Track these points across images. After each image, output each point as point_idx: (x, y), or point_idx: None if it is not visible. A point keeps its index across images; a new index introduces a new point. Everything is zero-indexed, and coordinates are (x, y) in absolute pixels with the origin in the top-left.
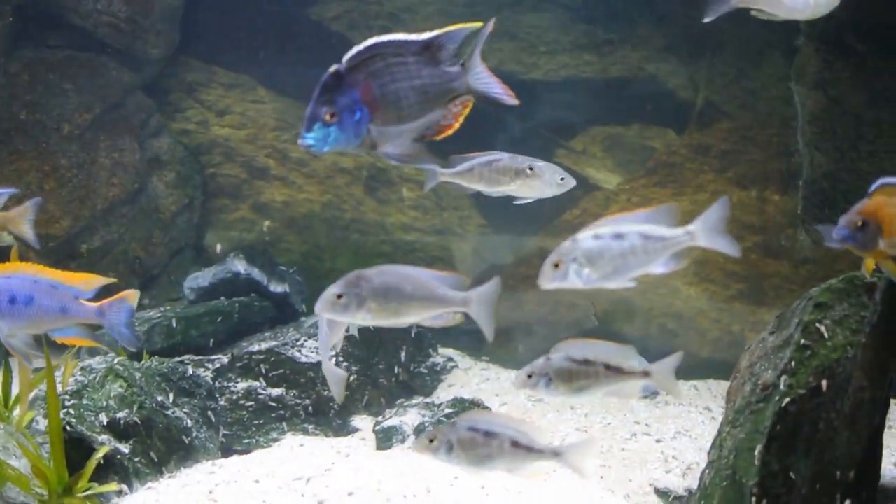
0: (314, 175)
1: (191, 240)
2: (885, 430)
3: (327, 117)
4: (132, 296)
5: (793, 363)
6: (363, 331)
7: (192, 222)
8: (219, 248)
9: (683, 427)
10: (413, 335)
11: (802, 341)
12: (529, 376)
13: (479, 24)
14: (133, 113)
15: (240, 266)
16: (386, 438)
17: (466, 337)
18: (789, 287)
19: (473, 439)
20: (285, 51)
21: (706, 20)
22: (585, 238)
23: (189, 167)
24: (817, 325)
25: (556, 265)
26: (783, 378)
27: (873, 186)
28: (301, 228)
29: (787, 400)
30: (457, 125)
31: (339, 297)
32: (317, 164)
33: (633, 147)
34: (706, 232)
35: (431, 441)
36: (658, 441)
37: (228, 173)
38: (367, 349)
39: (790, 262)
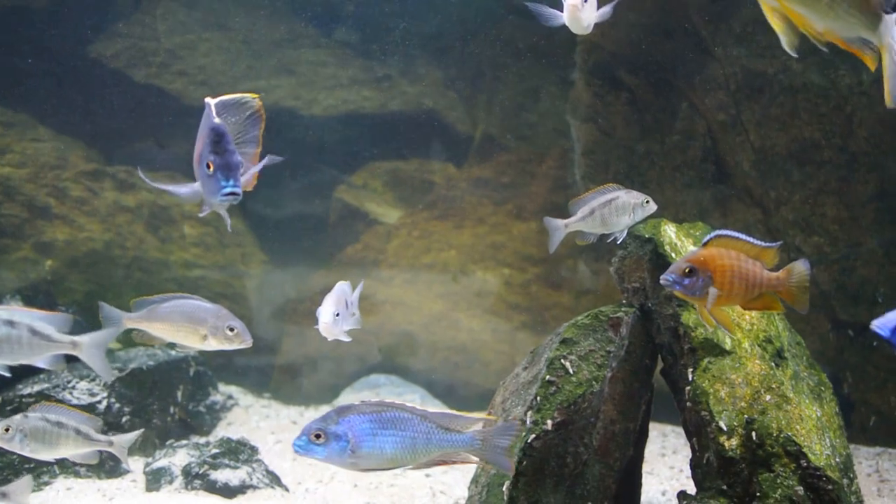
0: (96, 214)
1: None
2: (659, 458)
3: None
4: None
5: (538, 399)
6: (137, 370)
7: None
8: None
9: None
10: (192, 374)
11: (548, 377)
12: (6, 430)
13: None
14: None
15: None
16: (155, 480)
17: (250, 374)
18: (571, 317)
19: (43, 427)
20: (64, 88)
21: None
22: None
23: None
24: (562, 360)
25: None
26: (529, 414)
27: (708, 237)
28: (84, 267)
29: (533, 436)
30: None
31: None
32: (98, 203)
33: (412, 181)
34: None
35: (6, 430)
36: (427, 476)
37: (9, 213)
38: (139, 389)
39: (571, 292)
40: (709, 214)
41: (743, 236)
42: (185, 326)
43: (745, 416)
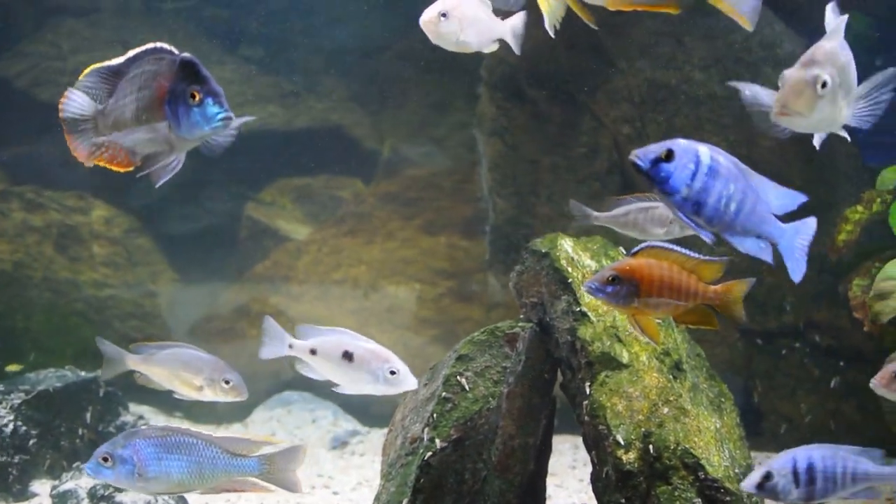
0: (3, 234)
1: None
2: (569, 470)
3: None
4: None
5: (434, 416)
6: (44, 392)
7: None
8: None
9: (365, 478)
10: (102, 394)
11: (444, 394)
12: None
13: None
14: None
15: None
16: (61, 503)
17: (163, 393)
18: None
19: None
20: None
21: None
22: None
23: None
24: (458, 377)
25: None
26: (426, 431)
27: (637, 248)
28: None
29: (429, 454)
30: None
31: None
32: (6, 224)
33: (321, 197)
34: None
35: None
36: (335, 493)
37: None
38: (47, 411)
39: (482, 306)
40: None
41: (677, 248)
42: (181, 375)
43: (643, 429)
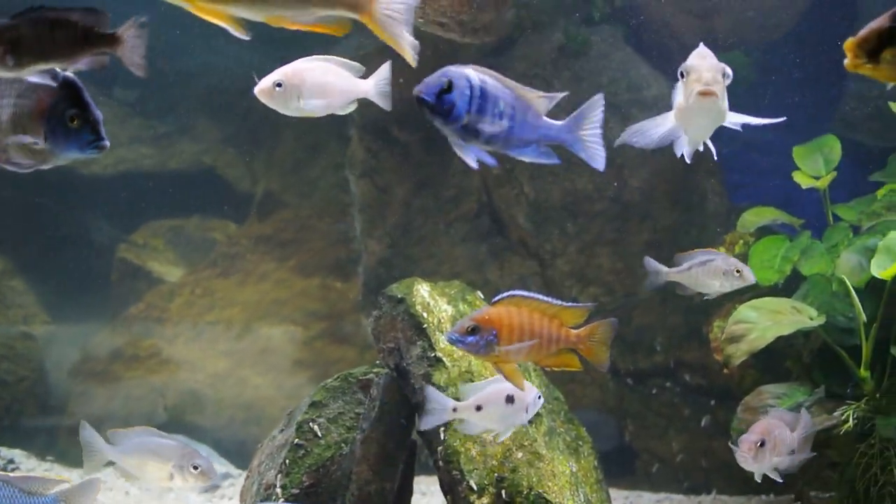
0: None
1: None
2: None
3: None
4: None
5: (287, 462)
6: None
7: None
8: None
9: None
10: None
11: (296, 441)
12: None
13: None
14: None
15: None
16: None
17: (37, 436)
18: None
19: None
20: None
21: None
22: None
23: None
24: (311, 423)
25: None
26: (279, 477)
27: (498, 297)
28: None
29: (282, 500)
30: None
31: None
32: None
33: (194, 239)
34: None
35: None
36: None
37: None
38: None
39: (356, 347)
40: (485, 267)
41: (539, 296)
42: (151, 463)
43: (496, 474)
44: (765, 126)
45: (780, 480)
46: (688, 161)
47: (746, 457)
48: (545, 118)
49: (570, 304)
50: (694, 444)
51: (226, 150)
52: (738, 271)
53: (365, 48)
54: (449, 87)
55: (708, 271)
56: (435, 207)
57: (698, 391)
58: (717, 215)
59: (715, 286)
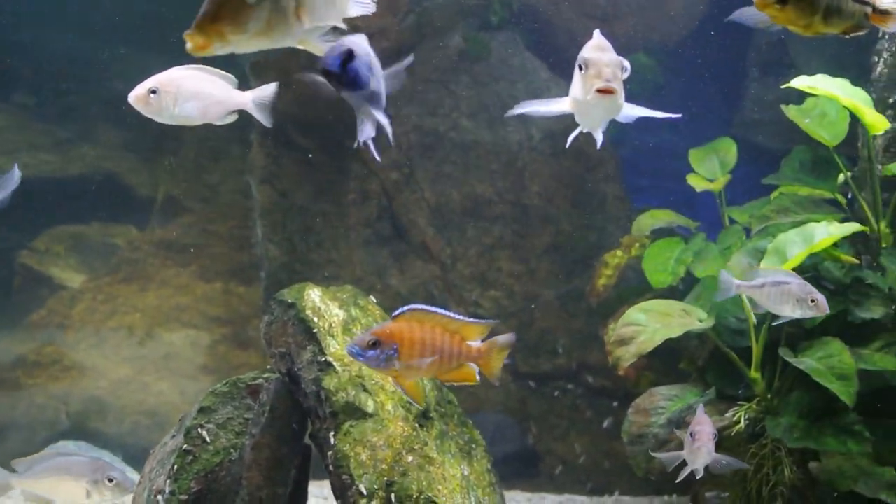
0: None
1: None
2: None
3: None
4: None
5: (175, 468)
6: None
7: None
8: None
9: None
10: None
11: (185, 446)
12: None
13: None
14: None
15: None
16: None
17: None
18: None
19: None
20: None
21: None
22: None
23: None
24: (199, 429)
25: None
26: (168, 483)
27: (399, 311)
28: None
29: None
30: None
31: None
32: None
33: (95, 245)
34: None
35: None
36: None
37: None
38: None
39: (259, 351)
40: (386, 272)
41: (441, 311)
42: (64, 483)
43: (386, 478)
44: (668, 129)
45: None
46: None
47: (705, 448)
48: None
49: (471, 319)
50: (597, 445)
51: (127, 156)
52: (812, 301)
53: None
54: (350, 56)
55: (781, 294)
56: (335, 212)
57: (601, 393)
58: (618, 218)
59: (786, 311)
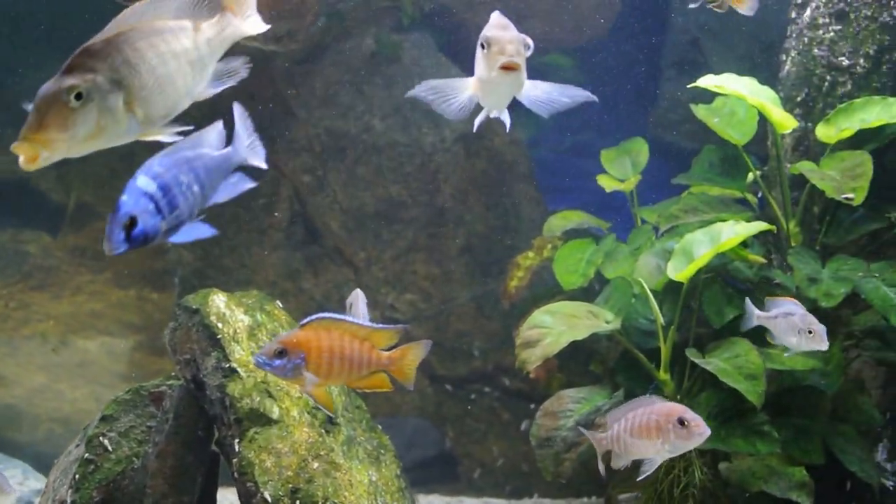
0: None
1: None
2: None
3: None
4: None
5: (77, 477)
6: None
7: None
8: None
9: None
10: None
11: (86, 455)
12: None
13: None
14: None
15: None
16: None
17: None
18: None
19: None
20: None
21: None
22: None
23: None
24: (101, 438)
25: None
26: (69, 493)
27: (307, 319)
28: None
29: None
30: None
31: None
32: None
33: (6, 252)
34: None
35: None
36: None
37: None
38: None
39: None
40: (300, 276)
41: (349, 318)
42: None
43: (291, 485)
44: (585, 130)
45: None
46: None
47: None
48: (224, 151)
49: (381, 326)
50: (515, 448)
51: None
52: (810, 331)
53: None
54: (133, 223)
55: (787, 325)
56: (247, 216)
57: (518, 395)
58: (533, 220)
59: (793, 342)
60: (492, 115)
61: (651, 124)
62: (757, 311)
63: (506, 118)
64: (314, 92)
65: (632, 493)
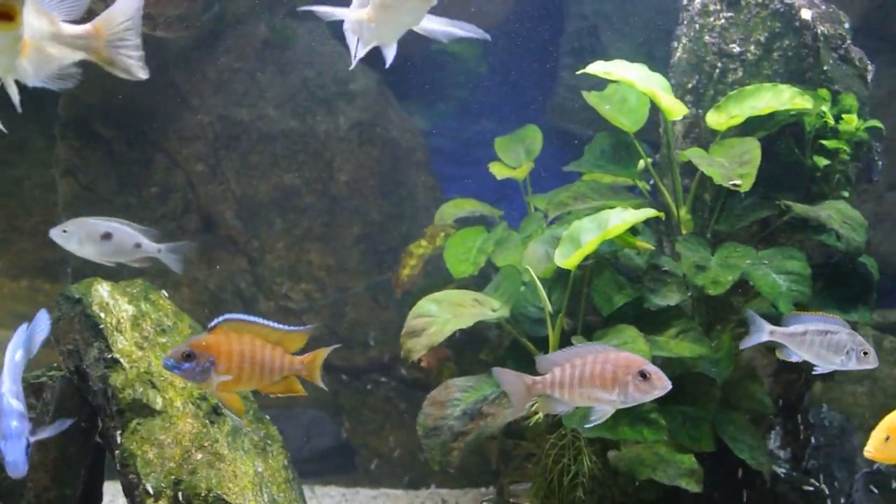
0: None
1: None
2: None
3: None
4: None
5: None
6: None
7: None
8: None
9: None
10: None
11: None
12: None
13: None
14: None
15: None
16: None
17: None
18: None
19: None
20: None
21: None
22: None
23: None
24: None
25: None
26: None
27: (215, 321)
28: None
29: None
30: None
31: None
32: None
33: None
34: None
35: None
36: None
37: None
38: None
39: None
40: (194, 265)
41: (260, 320)
42: None
43: (174, 476)
44: (484, 118)
45: None
46: (352, 65)
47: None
48: None
49: (291, 328)
50: (412, 438)
51: None
52: (865, 353)
53: None
54: None
55: (830, 344)
56: (139, 205)
57: (414, 385)
58: (428, 208)
59: (836, 363)
60: (375, 46)
61: (549, 112)
62: (770, 327)
63: (392, 52)
64: (207, 79)
65: (523, 483)
